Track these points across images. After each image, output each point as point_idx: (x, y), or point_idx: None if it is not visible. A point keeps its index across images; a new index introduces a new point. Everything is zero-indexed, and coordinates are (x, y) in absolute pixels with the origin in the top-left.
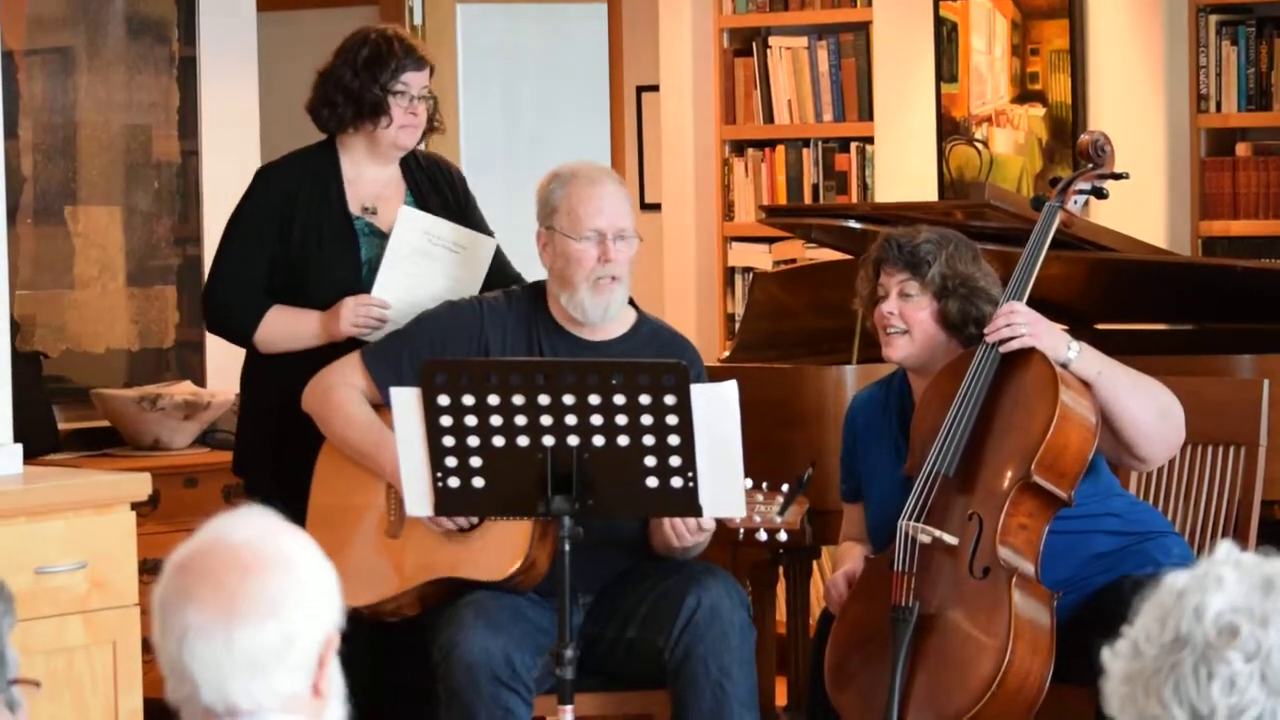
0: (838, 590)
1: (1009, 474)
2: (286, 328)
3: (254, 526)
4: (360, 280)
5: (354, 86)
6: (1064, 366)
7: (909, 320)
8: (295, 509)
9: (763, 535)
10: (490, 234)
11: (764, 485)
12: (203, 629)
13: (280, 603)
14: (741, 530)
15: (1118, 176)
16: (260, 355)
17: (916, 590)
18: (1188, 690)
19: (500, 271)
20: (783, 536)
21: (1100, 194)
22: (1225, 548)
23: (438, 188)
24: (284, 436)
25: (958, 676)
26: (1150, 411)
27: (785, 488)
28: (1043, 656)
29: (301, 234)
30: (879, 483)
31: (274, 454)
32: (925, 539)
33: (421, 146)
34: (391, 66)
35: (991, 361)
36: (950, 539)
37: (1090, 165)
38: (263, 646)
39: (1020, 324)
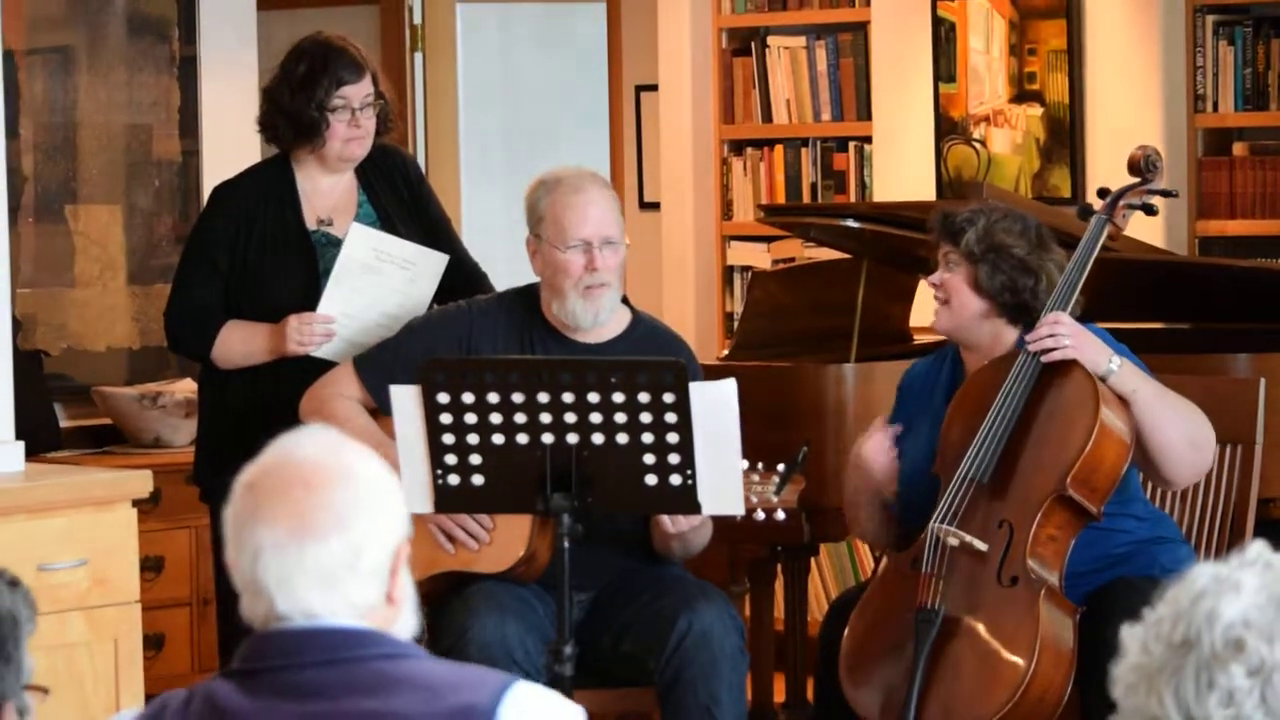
0: (866, 446)
1: (1043, 485)
2: (240, 345)
3: (317, 442)
4: (320, 292)
5: (291, 108)
6: (1102, 380)
7: (950, 289)
8: None
9: (760, 515)
10: (446, 219)
11: (759, 465)
12: (275, 546)
13: (346, 516)
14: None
15: (1167, 194)
16: (216, 367)
17: (942, 593)
18: (1186, 696)
19: (465, 278)
20: (780, 516)
21: (1150, 210)
22: (1258, 547)
23: (390, 181)
24: (244, 447)
25: (980, 684)
26: (1182, 436)
27: (781, 467)
28: (1064, 670)
29: (259, 251)
30: (913, 457)
31: (234, 467)
32: (954, 542)
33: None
34: (325, 83)
35: (1032, 370)
36: (980, 545)
37: (1140, 180)
38: (334, 559)
39: (1064, 335)
